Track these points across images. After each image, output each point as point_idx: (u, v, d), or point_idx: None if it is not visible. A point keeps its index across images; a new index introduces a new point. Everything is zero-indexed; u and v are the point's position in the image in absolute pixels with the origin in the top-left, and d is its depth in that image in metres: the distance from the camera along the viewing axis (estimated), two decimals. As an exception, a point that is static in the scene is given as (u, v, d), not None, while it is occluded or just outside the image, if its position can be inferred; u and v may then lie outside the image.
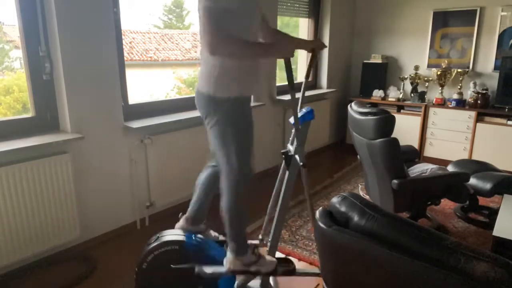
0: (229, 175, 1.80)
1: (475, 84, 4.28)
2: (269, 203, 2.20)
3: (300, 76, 4.91)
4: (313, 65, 1.97)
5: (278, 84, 4.13)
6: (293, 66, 5.08)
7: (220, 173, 1.86)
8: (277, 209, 2.01)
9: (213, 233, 2.19)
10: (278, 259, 1.92)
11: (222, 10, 1.59)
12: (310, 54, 2.06)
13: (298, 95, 1.97)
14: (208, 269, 1.89)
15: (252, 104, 3.51)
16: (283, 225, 2.03)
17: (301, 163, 1.75)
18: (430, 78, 4.56)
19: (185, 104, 3.16)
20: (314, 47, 2.03)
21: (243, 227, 1.90)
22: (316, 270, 1.92)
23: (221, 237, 2.13)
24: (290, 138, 2.02)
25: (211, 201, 2.08)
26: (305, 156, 1.88)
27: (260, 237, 2.25)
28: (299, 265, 2.44)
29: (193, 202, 2.08)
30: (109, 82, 2.60)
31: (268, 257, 1.89)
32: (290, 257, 2.27)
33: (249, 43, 1.72)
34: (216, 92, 1.74)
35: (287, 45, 1.79)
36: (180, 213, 2.09)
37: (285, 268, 1.87)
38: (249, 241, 1.92)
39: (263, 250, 2.00)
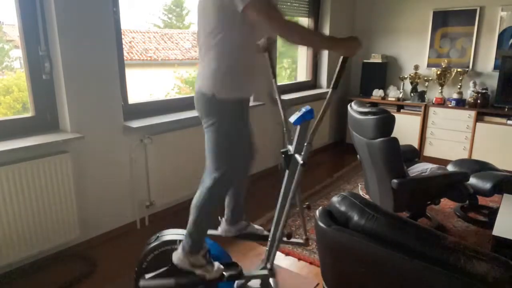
0: (213, 176, 1.81)
1: (475, 83, 4.28)
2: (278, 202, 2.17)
3: (300, 76, 4.91)
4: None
5: (278, 83, 4.12)
6: (293, 66, 5.08)
7: (205, 170, 1.87)
8: (277, 209, 2.01)
9: (256, 227, 2.23)
10: (225, 264, 1.92)
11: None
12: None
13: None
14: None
15: (252, 104, 3.52)
16: (286, 225, 2.02)
17: (301, 162, 1.74)
18: (430, 78, 4.56)
19: (185, 104, 3.16)
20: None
21: (206, 229, 1.89)
22: (264, 271, 1.93)
23: (266, 232, 2.15)
24: (289, 138, 2.02)
25: (243, 198, 2.14)
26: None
27: (304, 237, 2.25)
28: (298, 264, 2.45)
29: (226, 204, 2.13)
30: (109, 82, 2.60)
31: (216, 265, 1.88)
32: (283, 263, 2.26)
33: (312, 30, 1.70)
34: (219, 93, 1.74)
35: (355, 45, 1.63)
36: (219, 217, 2.16)
37: (232, 273, 1.88)
38: (205, 245, 1.89)
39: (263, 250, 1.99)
